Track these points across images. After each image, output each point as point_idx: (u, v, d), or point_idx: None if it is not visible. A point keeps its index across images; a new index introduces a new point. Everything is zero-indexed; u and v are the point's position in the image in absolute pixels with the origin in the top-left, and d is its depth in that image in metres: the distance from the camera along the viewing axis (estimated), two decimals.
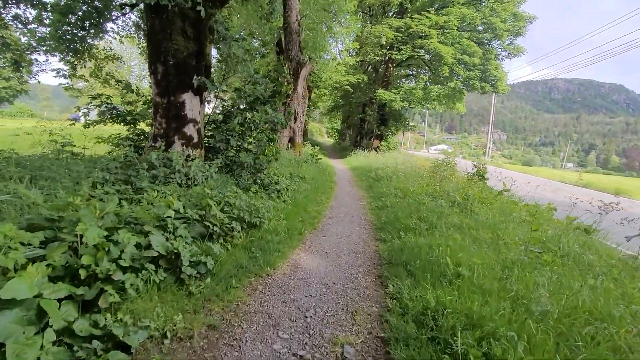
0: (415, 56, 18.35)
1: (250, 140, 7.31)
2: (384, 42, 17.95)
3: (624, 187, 16.73)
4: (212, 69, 7.01)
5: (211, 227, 3.58)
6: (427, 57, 21.91)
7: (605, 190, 16.07)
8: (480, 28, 18.15)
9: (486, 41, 17.88)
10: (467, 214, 5.69)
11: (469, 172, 10.92)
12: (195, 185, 5.23)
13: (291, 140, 14.79)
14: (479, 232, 4.69)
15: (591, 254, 4.01)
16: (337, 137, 50.15)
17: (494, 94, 38.46)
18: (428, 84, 19.05)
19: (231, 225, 3.77)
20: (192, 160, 5.76)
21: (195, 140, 6.20)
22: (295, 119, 14.65)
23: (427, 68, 20.57)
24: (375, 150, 21.58)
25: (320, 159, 14.74)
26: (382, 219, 6.25)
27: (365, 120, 26.08)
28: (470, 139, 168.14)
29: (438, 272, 3.23)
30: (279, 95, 7.42)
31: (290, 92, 13.98)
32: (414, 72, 24.41)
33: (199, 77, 5.96)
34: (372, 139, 23.80)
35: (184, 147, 6.02)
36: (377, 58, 18.88)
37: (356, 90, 24.86)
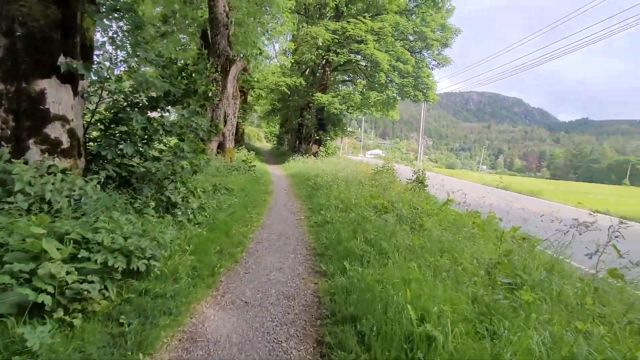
0: (353, 60, 18.10)
1: (162, 146, 5.74)
2: (321, 44, 17.34)
3: (534, 188, 18.56)
4: (99, 53, 5.28)
5: (40, 293, 2.13)
6: (363, 63, 22.03)
7: (523, 192, 17.60)
8: (411, 38, 18.68)
9: (418, 50, 18.47)
10: (417, 232, 4.97)
11: (409, 179, 10.64)
12: (57, 211, 3.59)
13: (221, 145, 13.13)
14: (435, 256, 3.94)
15: (558, 278, 3.49)
16: (275, 142, 48.80)
17: (424, 102, 41.11)
18: (365, 89, 18.96)
19: (81, 287, 2.32)
20: (57, 174, 4.04)
21: (66, 145, 4.45)
22: (226, 121, 13.06)
23: (364, 74, 20.58)
24: (314, 156, 20.85)
25: (254, 166, 13.36)
26: (322, 240, 5.23)
27: (304, 124, 25.29)
28: (402, 144, 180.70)
29: (401, 336, 2.26)
30: (194, 95, 5.95)
31: (218, 92, 12.39)
32: (351, 78, 24.41)
33: (68, 59, 4.27)
34: (310, 144, 23.06)
35: (47, 155, 4.26)
36: (314, 59, 18.20)
37: (294, 94, 23.95)
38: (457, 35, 18.00)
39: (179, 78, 5.76)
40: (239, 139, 28.69)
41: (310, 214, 7.39)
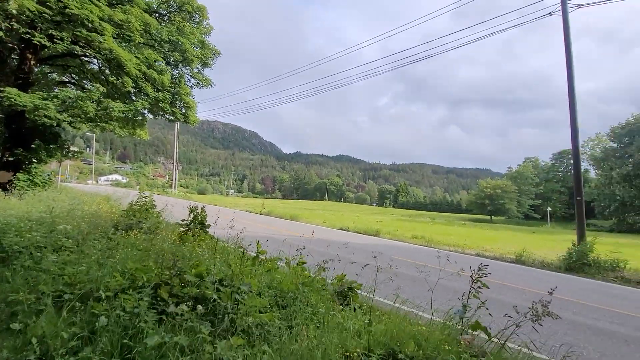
0: (78, 53, 12.63)
1: None
2: (15, 12, 10.89)
3: (293, 212, 20.70)
4: None
5: None
6: (96, 62, 16.46)
7: (284, 216, 19.00)
8: (166, 47, 15.86)
9: (175, 62, 15.86)
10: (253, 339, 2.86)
11: (184, 220, 7.93)
12: None
13: None
14: None
15: None
16: None
17: (178, 124, 37.61)
18: (102, 98, 13.80)
19: None
20: None
21: None
22: None
23: (98, 78, 15.16)
24: (4, 190, 12.76)
25: None
26: None
27: None
28: (147, 168, 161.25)
29: None
30: None
31: None
32: (74, 80, 17.65)
33: None
34: None
35: None
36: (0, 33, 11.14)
37: None
38: (217, 57, 17.12)
39: None
40: None
41: None
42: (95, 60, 16.17)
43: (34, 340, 2.97)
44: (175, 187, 31.72)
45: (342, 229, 17.11)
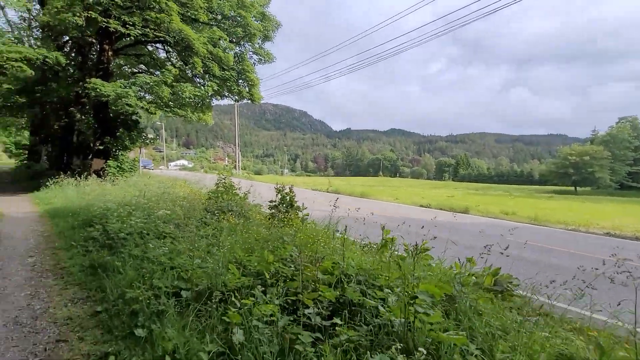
0: (150, 37, 12.59)
1: None
2: (91, 1, 11.02)
3: (359, 189, 19.70)
4: None
5: None
6: (163, 50, 16.68)
7: (353, 194, 18.12)
8: (228, 22, 15.31)
9: (237, 38, 15.28)
10: None
11: (272, 202, 7.37)
12: None
13: None
14: None
15: None
16: (23, 158, 33.02)
17: (236, 107, 38.43)
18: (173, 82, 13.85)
19: None
20: None
21: None
22: None
23: (171, 60, 15.24)
24: (98, 176, 13.71)
25: None
26: None
27: (74, 128, 16.86)
28: (208, 153, 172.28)
29: None
30: None
31: None
32: (145, 71, 18.19)
33: None
34: (90, 158, 15.35)
35: None
36: (80, 24, 11.42)
37: (49, 81, 15.22)
38: (277, 29, 16.20)
39: None
40: None
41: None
42: (163, 48, 16.35)
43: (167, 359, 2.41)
44: (239, 169, 32.70)
45: (422, 206, 15.71)
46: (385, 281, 3.02)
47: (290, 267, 3.49)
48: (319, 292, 2.75)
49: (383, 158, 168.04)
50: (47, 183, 12.98)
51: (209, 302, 3.19)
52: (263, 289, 3.18)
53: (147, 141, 19.55)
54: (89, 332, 3.09)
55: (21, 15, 16.32)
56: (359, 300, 2.71)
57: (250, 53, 16.51)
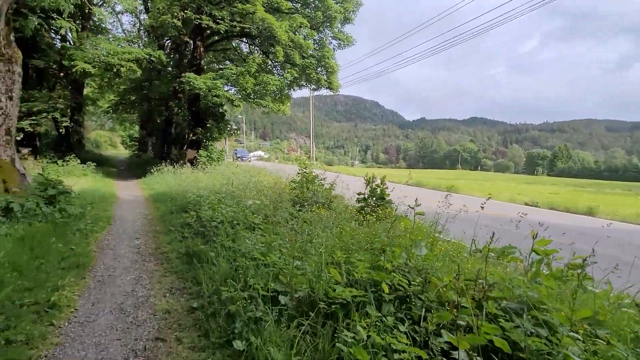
0: (237, 29, 12.95)
1: None
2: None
3: (444, 182, 17.85)
4: None
5: None
6: (246, 44, 17.17)
7: (439, 187, 16.48)
8: (306, 11, 15.00)
9: (317, 23, 14.84)
10: None
11: (360, 194, 6.72)
12: None
13: None
14: None
15: None
16: (135, 149, 38.45)
17: (311, 98, 38.85)
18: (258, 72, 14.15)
19: None
20: None
21: None
22: None
23: (257, 48, 15.57)
24: (191, 164, 14.87)
25: (68, 192, 6.96)
26: None
27: (172, 121, 18.62)
28: (283, 144, 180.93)
29: None
30: None
31: None
32: (233, 61, 19.07)
33: None
34: (185, 148, 16.80)
35: None
36: (177, 24, 12.27)
37: (153, 78, 17.04)
38: (358, 9, 15.26)
39: None
40: (72, 145, 19.35)
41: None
42: (247, 41, 16.86)
43: None
44: (313, 159, 33.02)
45: (526, 204, 13.44)
46: (564, 320, 2.06)
47: (412, 279, 2.75)
48: (479, 333, 1.94)
49: (462, 149, 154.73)
50: (151, 170, 14.56)
51: (311, 313, 2.68)
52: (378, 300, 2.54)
53: (231, 132, 20.76)
54: (186, 332, 2.83)
55: (131, 21, 18.50)
56: (537, 348, 1.83)
57: (330, 38, 15.98)
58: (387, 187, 6.61)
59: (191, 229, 5.52)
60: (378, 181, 6.62)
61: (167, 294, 3.51)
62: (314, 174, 8.62)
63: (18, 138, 14.46)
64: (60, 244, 4.62)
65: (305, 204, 6.46)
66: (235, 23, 12.68)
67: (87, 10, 12.93)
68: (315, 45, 15.32)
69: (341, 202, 7.36)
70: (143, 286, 3.70)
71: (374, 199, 6.57)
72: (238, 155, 48.51)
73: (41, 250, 4.20)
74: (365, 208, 6.47)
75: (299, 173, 8.34)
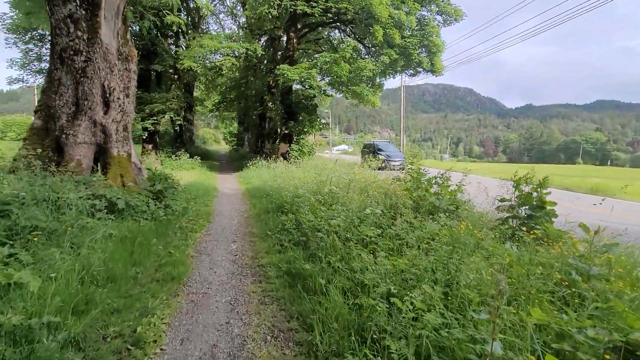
0: (333, 11, 11.90)
1: None
2: None
3: (589, 183, 13.91)
4: None
5: None
6: (338, 31, 16.16)
7: (580, 189, 12.89)
8: None
9: None
10: None
11: (503, 200, 4.96)
12: None
13: (101, 152, 6.58)
14: None
15: None
16: (234, 144, 41.88)
17: (402, 88, 36.21)
18: (353, 57, 12.99)
19: None
20: None
21: None
22: (107, 103, 6.53)
23: (352, 32, 14.42)
24: (284, 158, 14.71)
25: (177, 185, 6.94)
26: None
27: (266, 116, 18.98)
28: (367, 138, 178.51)
29: None
30: None
31: (80, 41, 5.93)
32: (325, 49, 18.34)
33: None
34: (277, 142, 16.86)
35: None
36: (275, 14, 11.93)
37: (249, 76, 17.54)
38: None
39: None
40: (184, 141, 21.60)
41: None
42: (339, 28, 15.86)
43: None
44: (402, 151, 30.62)
45: None
46: None
47: None
48: None
49: (583, 140, 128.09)
50: (247, 164, 14.92)
51: None
52: None
53: (322, 126, 20.28)
54: None
55: (230, 21, 19.38)
56: None
57: (435, 14, 13.80)
58: (549, 193, 4.66)
59: (290, 236, 4.68)
60: (533, 185, 4.72)
61: (269, 337, 2.59)
62: (427, 173, 6.96)
63: (144, 136, 16.52)
64: (161, 246, 4.25)
65: (421, 210, 5.04)
66: (330, 4, 11.69)
67: (192, 10, 13.64)
68: (418, 23, 13.39)
69: (471, 209, 5.68)
70: (240, 318, 2.88)
71: (525, 207, 4.74)
72: (382, 154, 19.17)
73: (141, 253, 3.81)
74: (513, 220, 4.71)
75: (409, 172, 6.84)
